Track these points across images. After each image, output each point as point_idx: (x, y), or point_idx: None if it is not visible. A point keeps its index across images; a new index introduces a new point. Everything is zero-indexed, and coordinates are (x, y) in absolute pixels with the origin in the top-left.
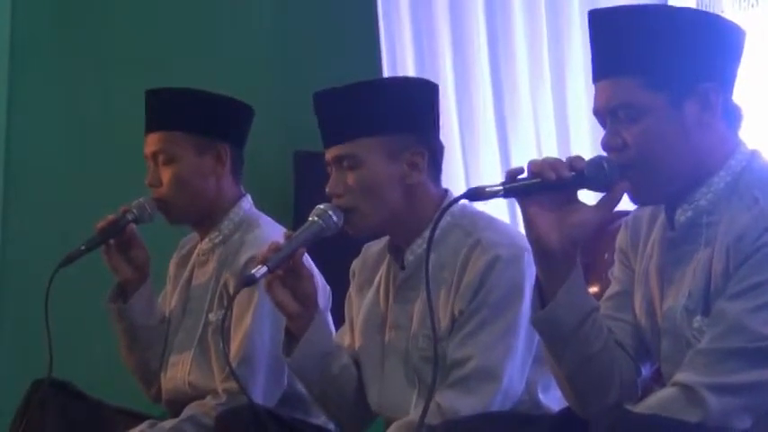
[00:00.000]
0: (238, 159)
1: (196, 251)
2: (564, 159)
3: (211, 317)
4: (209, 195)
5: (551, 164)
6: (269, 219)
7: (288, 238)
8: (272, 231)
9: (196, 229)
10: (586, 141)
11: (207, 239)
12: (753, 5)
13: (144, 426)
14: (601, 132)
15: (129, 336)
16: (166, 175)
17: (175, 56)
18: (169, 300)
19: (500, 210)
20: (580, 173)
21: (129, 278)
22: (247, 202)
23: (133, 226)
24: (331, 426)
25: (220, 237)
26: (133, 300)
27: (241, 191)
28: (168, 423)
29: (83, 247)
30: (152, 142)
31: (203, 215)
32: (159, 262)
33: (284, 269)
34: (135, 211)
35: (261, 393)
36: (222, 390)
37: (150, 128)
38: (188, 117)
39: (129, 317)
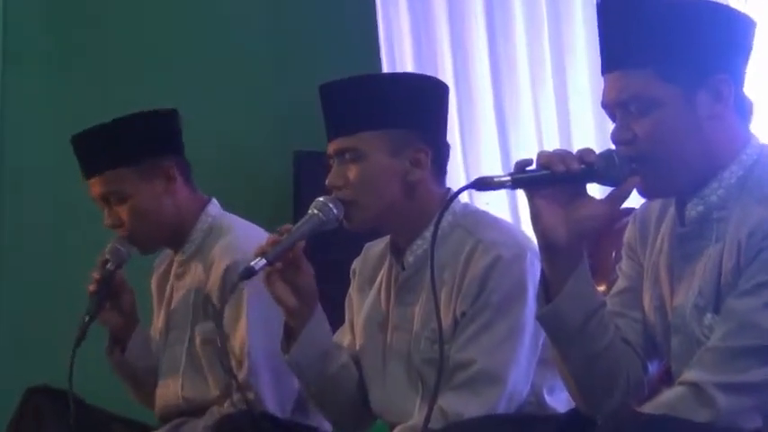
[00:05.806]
0: (186, 168)
1: (173, 266)
2: (574, 152)
3: (198, 329)
4: (172, 216)
5: (561, 156)
6: (241, 220)
7: (287, 230)
8: (246, 233)
9: (169, 247)
10: (589, 135)
11: (181, 252)
12: None
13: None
14: (604, 126)
15: (134, 381)
16: (124, 213)
17: (173, 56)
18: (156, 319)
19: (501, 206)
20: (590, 166)
21: (121, 326)
22: (214, 207)
23: (120, 272)
24: (328, 426)
25: (193, 247)
26: (129, 348)
27: (202, 197)
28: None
29: (87, 318)
30: (96, 186)
31: (172, 235)
32: (141, 292)
33: (284, 262)
34: (112, 258)
35: (273, 404)
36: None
37: (88, 173)
38: (121, 151)
39: (130, 365)
